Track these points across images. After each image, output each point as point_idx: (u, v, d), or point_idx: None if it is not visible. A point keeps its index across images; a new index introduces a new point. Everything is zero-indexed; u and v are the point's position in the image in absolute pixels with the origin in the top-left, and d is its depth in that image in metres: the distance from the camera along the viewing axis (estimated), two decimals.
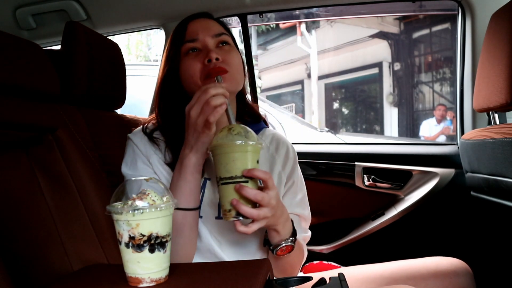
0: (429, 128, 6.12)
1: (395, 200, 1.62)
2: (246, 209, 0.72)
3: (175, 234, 0.78)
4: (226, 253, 0.90)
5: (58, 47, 1.20)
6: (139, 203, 0.61)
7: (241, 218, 0.73)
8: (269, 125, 1.11)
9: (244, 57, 0.97)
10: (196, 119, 0.75)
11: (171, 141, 0.91)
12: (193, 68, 0.87)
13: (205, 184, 0.91)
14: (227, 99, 0.76)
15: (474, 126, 1.52)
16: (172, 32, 0.95)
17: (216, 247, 0.89)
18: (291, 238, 0.84)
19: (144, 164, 0.90)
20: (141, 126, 0.98)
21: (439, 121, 5.96)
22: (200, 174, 0.84)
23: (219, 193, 0.76)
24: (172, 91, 0.92)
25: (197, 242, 0.88)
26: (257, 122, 1.04)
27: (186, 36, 0.91)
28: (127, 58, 1.29)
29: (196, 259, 0.89)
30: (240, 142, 0.72)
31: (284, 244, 0.83)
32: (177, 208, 0.79)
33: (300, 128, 3.23)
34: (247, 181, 0.73)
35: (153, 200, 0.62)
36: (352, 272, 1.07)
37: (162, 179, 0.89)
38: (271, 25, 8.34)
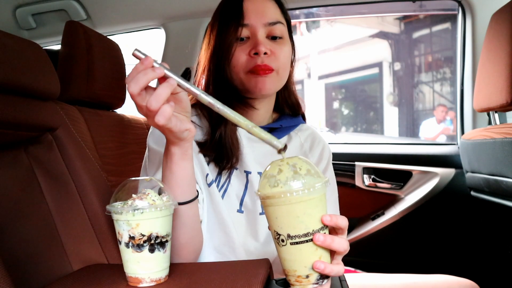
0: (429, 128, 6.12)
1: (395, 200, 1.62)
2: (335, 267, 0.57)
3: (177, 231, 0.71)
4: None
5: (58, 47, 1.20)
6: (139, 203, 0.61)
7: (324, 281, 0.58)
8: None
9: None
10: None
11: (215, 125, 0.81)
12: (236, 58, 0.80)
13: (232, 173, 0.84)
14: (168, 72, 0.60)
15: (474, 126, 1.53)
16: (221, 9, 0.84)
17: (249, 239, 0.83)
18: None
19: None
20: None
21: (439, 121, 5.96)
22: (188, 162, 0.69)
23: (285, 255, 0.57)
24: (222, 76, 0.83)
25: (224, 236, 0.81)
26: (296, 116, 0.94)
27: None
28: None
29: (215, 253, 0.83)
30: (319, 185, 0.55)
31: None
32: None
33: None
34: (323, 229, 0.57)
35: (153, 200, 0.62)
36: (354, 281, 1.04)
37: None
38: None
